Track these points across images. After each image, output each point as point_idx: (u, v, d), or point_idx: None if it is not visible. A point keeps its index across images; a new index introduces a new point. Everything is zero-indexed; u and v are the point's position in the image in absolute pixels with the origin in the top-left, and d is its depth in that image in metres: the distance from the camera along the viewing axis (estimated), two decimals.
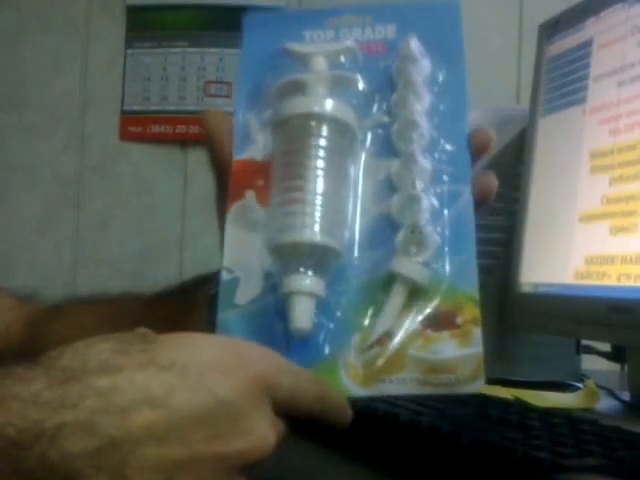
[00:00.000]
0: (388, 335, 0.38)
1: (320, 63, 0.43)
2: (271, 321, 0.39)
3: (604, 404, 0.69)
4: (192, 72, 1.70)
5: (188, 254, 1.67)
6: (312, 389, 0.35)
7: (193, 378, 0.30)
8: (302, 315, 0.37)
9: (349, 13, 0.45)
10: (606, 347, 0.82)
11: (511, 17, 1.65)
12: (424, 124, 0.42)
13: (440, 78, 0.43)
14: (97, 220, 1.73)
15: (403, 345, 0.37)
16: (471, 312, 0.38)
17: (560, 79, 0.79)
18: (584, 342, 0.83)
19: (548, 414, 0.50)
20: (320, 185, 0.39)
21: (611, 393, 0.73)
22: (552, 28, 0.81)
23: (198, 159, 1.70)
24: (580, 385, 0.77)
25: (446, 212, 0.41)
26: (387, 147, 0.42)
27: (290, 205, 0.39)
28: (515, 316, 0.80)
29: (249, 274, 0.39)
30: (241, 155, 0.43)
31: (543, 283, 0.76)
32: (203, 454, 0.30)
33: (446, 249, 0.40)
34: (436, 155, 0.42)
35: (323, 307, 0.38)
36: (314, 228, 0.38)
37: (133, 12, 1.73)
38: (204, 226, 1.65)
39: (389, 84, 0.43)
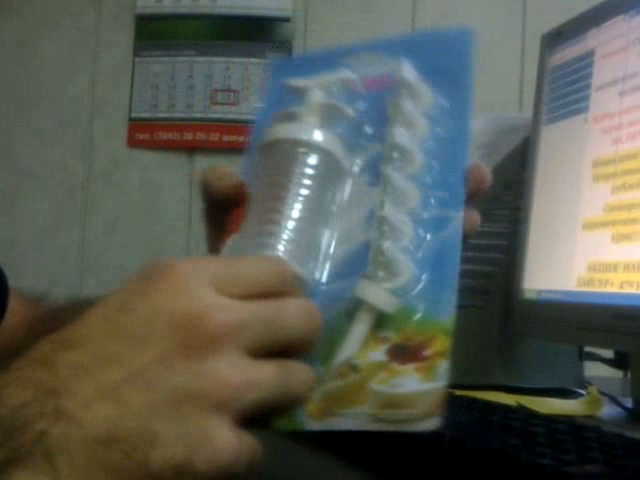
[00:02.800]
0: (351, 366, 0.36)
1: (315, 94, 0.42)
2: None
3: (607, 411, 0.69)
4: (199, 80, 1.71)
5: None
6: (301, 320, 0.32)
7: (95, 313, 0.30)
8: None
9: (363, 51, 0.44)
10: (609, 354, 0.83)
11: (514, 28, 1.66)
12: (411, 147, 0.40)
13: (443, 104, 0.42)
14: (104, 225, 1.74)
15: (365, 377, 0.35)
16: (442, 344, 0.36)
17: (562, 88, 0.80)
18: (587, 349, 0.83)
19: (551, 421, 0.50)
20: (297, 212, 0.37)
21: (614, 400, 0.73)
22: (554, 39, 0.82)
23: (205, 166, 1.71)
24: (583, 392, 0.77)
25: (429, 238, 0.39)
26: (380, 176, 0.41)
27: (265, 226, 0.37)
28: (518, 322, 0.80)
29: None
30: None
31: (546, 290, 0.77)
32: (138, 363, 0.28)
33: (424, 277, 0.37)
34: (428, 179, 0.40)
35: None
36: (284, 254, 0.36)
37: (142, 21, 1.75)
38: None
39: (386, 115, 0.42)
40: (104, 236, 1.75)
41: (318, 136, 0.39)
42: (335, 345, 0.36)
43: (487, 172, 0.41)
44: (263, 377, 0.29)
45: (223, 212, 0.42)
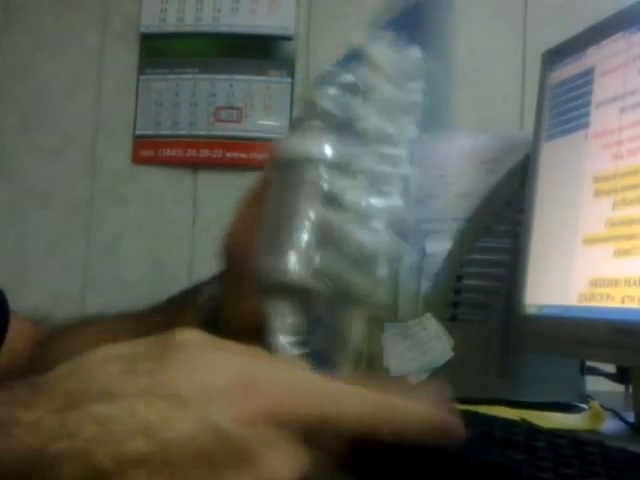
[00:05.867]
0: None
1: (318, 103, 0.43)
2: None
3: (609, 425, 0.69)
4: (203, 98, 1.73)
5: (197, 276, 1.68)
6: (363, 409, 0.31)
7: (194, 409, 0.28)
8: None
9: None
10: (611, 368, 0.83)
11: (514, 46, 1.67)
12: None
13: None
14: (108, 242, 1.75)
15: None
16: None
17: (563, 105, 0.80)
18: (589, 363, 0.83)
19: (553, 435, 0.50)
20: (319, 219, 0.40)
21: (616, 414, 0.73)
22: (554, 56, 0.83)
23: (208, 182, 1.72)
24: (585, 406, 0.77)
25: None
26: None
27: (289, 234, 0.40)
28: (520, 337, 0.80)
29: None
30: None
31: (547, 305, 0.77)
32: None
33: None
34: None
35: None
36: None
37: (146, 39, 1.76)
38: (213, 249, 1.66)
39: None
40: (108, 252, 1.75)
41: (323, 149, 0.41)
42: None
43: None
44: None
45: None
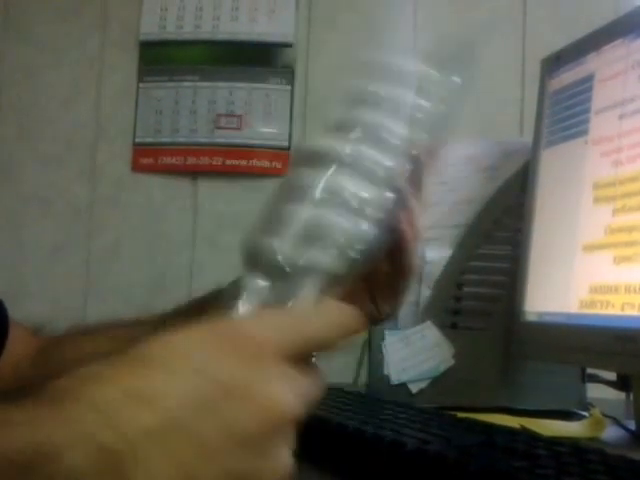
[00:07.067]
0: None
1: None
2: None
3: (610, 433, 0.69)
4: (203, 105, 1.73)
5: (197, 284, 1.68)
6: (324, 327, 0.34)
7: (185, 369, 0.29)
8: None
9: None
10: (611, 375, 0.82)
11: (514, 52, 1.67)
12: None
13: None
14: (108, 249, 1.75)
15: None
16: None
17: (562, 112, 0.80)
18: (589, 370, 0.83)
19: (554, 443, 0.50)
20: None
21: (617, 422, 0.73)
22: (554, 63, 0.83)
23: (208, 190, 1.72)
24: (586, 414, 0.77)
25: None
26: None
27: None
28: (520, 345, 0.80)
29: None
30: None
31: (548, 312, 0.77)
32: (214, 441, 0.28)
33: None
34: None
35: None
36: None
37: (146, 47, 1.76)
38: (213, 256, 1.66)
39: None
40: (108, 260, 1.75)
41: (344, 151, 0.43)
42: None
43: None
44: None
45: None
